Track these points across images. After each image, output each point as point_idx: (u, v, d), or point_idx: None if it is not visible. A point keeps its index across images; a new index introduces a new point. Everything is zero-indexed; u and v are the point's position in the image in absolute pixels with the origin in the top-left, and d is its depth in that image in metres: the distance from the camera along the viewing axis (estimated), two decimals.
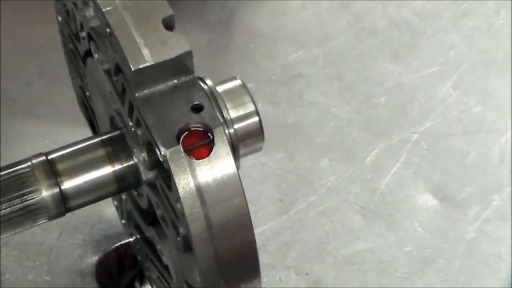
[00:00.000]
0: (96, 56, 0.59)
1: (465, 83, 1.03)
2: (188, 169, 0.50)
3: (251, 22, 1.10)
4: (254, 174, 0.90)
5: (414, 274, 0.83)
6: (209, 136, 0.51)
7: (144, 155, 0.54)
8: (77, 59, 0.69)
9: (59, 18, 0.70)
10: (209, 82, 0.59)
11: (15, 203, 0.57)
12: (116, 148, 0.60)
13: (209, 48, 1.05)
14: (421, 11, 1.13)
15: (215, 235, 0.51)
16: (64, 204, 0.58)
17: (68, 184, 0.58)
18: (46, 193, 0.57)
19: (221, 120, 0.57)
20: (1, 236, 0.56)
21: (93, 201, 0.59)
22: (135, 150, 0.59)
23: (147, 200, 0.60)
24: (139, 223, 0.67)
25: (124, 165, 0.60)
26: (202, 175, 0.50)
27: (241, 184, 0.51)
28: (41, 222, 0.59)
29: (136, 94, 0.52)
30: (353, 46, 1.08)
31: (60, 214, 0.59)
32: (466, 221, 0.89)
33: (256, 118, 0.60)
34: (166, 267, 0.62)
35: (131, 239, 0.75)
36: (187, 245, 0.52)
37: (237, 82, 0.61)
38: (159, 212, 0.57)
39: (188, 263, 0.54)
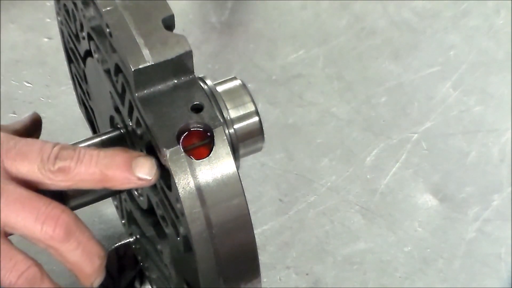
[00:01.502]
0: (96, 56, 0.59)
1: (465, 83, 1.04)
2: (188, 169, 0.50)
3: (251, 22, 1.10)
4: (254, 174, 0.90)
5: (414, 274, 0.83)
6: (209, 136, 0.51)
7: None
8: (77, 59, 0.69)
9: (59, 18, 0.70)
10: (209, 82, 0.59)
11: None
12: None
13: (209, 48, 1.05)
14: (421, 11, 1.13)
15: (215, 235, 0.51)
16: (64, 204, 0.58)
17: None
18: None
19: (221, 120, 0.57)
20: None
21: (93, 201, 0.59)
22: (135, 150, 0.59)
23: (147, 200, 0.60)
24: (139, 223, 0.67)
25: None
26: (202, 175, 0.50)
27: (241, 184, 0.51)
28: None
29: (136, 94, 0.52)
30: (353, 46, 1.08)
31: None
32: (466, 221, 0.89)
33: (256, 118, 0.60)
34: (166, 267, 0.62)
35: (131, 239, 0.75)
36: (187, 245, 0.52)
37: (237, 82, 0.61)
38: (159, 212, 0.57)
39: (188, 263, 0.54)
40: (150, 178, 0.52)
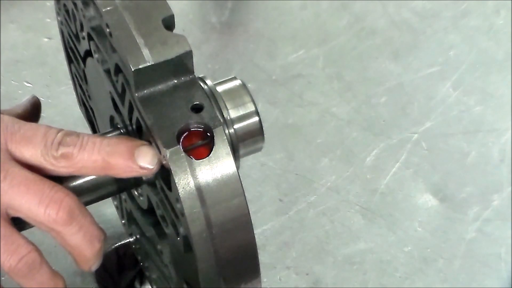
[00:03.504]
0: (96, 56, 0.59)
1: (465, 83, 1.04)
2: (188, 169, 0.50)
3: (251, 22, 1.10)
4: (254, 174, 0.90)
5: (414, 274, 0.83)
6: (209, 136, 0.51)
7: None
8: (77, 59, 0.69)
9: (59, 18, 0.70)
10: (209, 82, 0.59)
11: None
12: None
13: (209, 48, 1.05)
14: (421, 11, 1.13)
15: (215, 235, 0.51)
16: None
17: (68, 184, 0.58)
18: None
19: (221, 120, 0.57)
20: None
21: (93, 201, 0.59)
22: None
23: (147, 200, 0.60)
24: (139, 223, 0.67)
25: None
26: (202, 175, 0.50)
27: (241, 184, 0.51)
28: None
29: (136, 94, 0.52)
30: (353, 46, 1.08)
31: None
32: (466, 221, 0.89)
33: (256, 118, 0.60)
34: (166, 267, 0.62)
35: (131, 239, 0.75)
36: (187, 245, 0.52)
37: (237, 82, 0.61)
38: (159, 212, 0.57)
39: (188, 263, 0.54)
40: (152, 167, 0.52)
